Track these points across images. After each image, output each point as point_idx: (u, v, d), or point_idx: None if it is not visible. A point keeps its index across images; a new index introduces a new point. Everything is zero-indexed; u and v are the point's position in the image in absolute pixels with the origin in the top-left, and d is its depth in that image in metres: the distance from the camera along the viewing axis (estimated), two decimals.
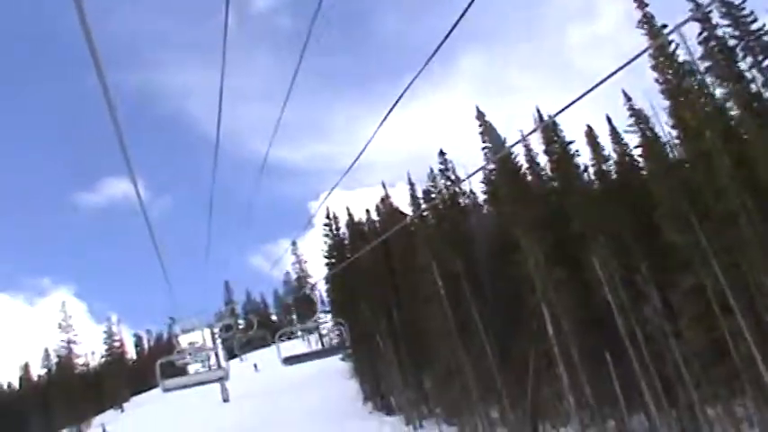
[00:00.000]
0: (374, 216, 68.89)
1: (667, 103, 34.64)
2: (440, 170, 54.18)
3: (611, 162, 42.94)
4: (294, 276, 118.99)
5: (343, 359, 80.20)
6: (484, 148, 46.33)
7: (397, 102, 7.76)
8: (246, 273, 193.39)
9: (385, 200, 66.31)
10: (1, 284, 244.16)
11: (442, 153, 54.12)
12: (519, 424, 40.44)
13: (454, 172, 54.07)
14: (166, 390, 18.90)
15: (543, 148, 44.27)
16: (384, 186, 65.83)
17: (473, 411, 43.75)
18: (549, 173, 44.79)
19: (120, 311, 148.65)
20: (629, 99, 39.14)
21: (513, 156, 43.68)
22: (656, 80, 34.44)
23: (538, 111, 45.51)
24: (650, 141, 37.64)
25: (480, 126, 46.14)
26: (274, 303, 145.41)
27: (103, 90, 4.29)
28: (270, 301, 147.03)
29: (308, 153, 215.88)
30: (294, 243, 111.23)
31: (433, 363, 49.12)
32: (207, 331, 22.57)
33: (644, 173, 41.41)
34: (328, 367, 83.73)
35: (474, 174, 46.86)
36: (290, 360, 19.19)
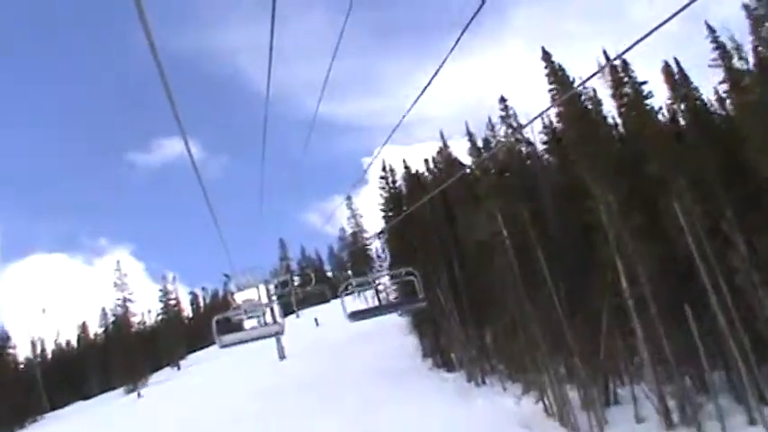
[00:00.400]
0: (432, 167, 66.51)
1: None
2: (500, 117, 51.55)
3: (689, 101, 39.98)
4: (349, 232, 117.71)
5: (401, 314, 78.70)
6: (551, 90, 43.37)
7: (448, 54, 7.74)
8: (301, 230, 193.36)
9: (443, 150, 63.92)
10: (60, 245, 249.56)
11: (503, 99, 51.49)
12: (589, 381, 38.10)
13: (516, 119, 51.40)
14: (223, 346, 18.88)
15: (610, 92, 41.49)
16: (442, 136, 63.37)
17: (539, 367, 41.48)
18: (618, 117, 42.06)
19: (177, 270, 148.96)
20: (713, 32, 36.28)
21: (581, 97, 40.81)
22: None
23: (605, 53, 42.38)
24: (736, 75, 34.69)
25: (546, 68, 43.23)
26: (329, 259, 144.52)
27: (151, 49, 4.29)
28: (325, 257, 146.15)
29: (362, 108, 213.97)
30: (349, 197, 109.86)
31: (496, 317, 46.83)
32: (262, 288, 22.15)
33: (724, 112, 38.62)
34: (386, 323, 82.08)
35: (540, 116, 43.82)
36: (356, 315, 17.23)
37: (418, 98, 9.14)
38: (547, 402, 41.31)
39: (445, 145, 62.87)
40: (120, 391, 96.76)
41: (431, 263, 53.15)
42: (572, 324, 38.16)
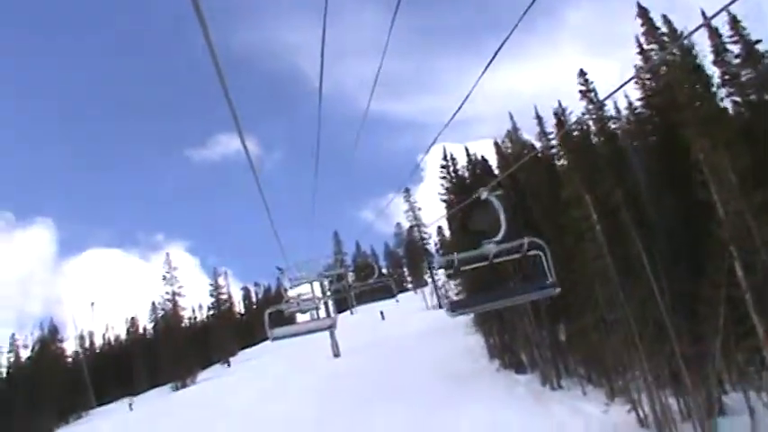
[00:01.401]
0: (501, 151, 60.95)
1: None
2: (580, 92, 45.79)
3: None
4: (406, 227, 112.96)
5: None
6: (649, 50, 37.48)
7: (498, 49, 7.73)
8: (356, 226, 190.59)
9: (512, 133, 58.46)
10: (117, 240, 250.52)
11: (582, 73, 45.79)
12: (695, 388, 32.33)
13: (596, 94, 45.68)
14: (274, 338, 17.67)
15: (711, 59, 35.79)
16: (511, 117, 57.84)
17: (633, 371, 35.89)
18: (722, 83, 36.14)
19: (232, 267, 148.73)
20: None
21: (691, 51, 34.79)
22: None
23: (702, 13, 36.43)
24: None
25: (643, 25, 37.40)
26: (385, 256, 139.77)
27: (208, 47, 4.24)
28: (380, 253, 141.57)
29: (417, 106, 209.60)
30: (407, 190, 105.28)
31: (577, 312, 41.20)
32: (316, 285, 22.34)
33: None
34: (445, 321, 77.16)
35: (633, 78, 38.31)
36: (458, 307, 12.12)
37: (469, 94, 9.30)
38: (641, 411, 35.56)
39: (515, 127, 57.40)
40: (167, 387, 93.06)
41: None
42: (676, 321, 32.40)
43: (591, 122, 44.78)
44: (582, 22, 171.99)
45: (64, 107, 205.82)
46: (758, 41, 34.54)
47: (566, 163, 45.95)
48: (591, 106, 44.89)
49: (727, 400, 34.27)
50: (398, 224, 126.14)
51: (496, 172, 57.66)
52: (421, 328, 74.58)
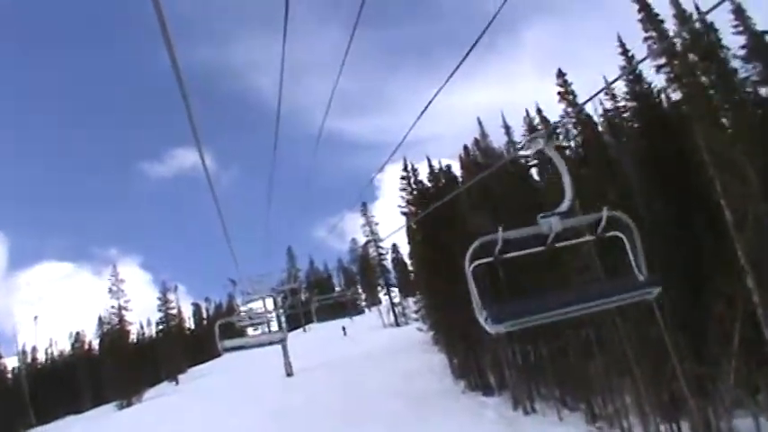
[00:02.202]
0: (466, 160, 56.27)
1: None
2: (559, 93, 41.40)
3: None
4: (362, 242, 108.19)
5: (420, 329, 68.56)
6: (647, 38, 32.95)
7: (455, 70, 7.98)
8: (310, 244, 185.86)
9: (480, 141, 53.89)
10: (68, 254, 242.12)
11: (561, 73, 41.51)
12: (700, 414, 27.66)
13: (575, 96, 41.37)
14: (225, 349, 19.75)
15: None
16: (480, 123, 53.27)
17: (620, 394, 31.29)
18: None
19: (186, 283, 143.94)
20: None
21: (706, 36, 30.22)
22: None
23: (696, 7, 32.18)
24: None
25: (640, 11, 32.91)
26: (338, 272, 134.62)
27: (172, 62, 4.34)
28: (334, 271, 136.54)
29: (372, 126, 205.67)
30: (364, 204, 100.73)
31: (555, 329, 36.58)
32: (269, 300, 25.26)
33: None
34: (404, 339, 72.26)
35: (636, 65, 33.89)
36: (504, 317, 6.93)
37: (423, 112, 9.37)
38: None
39: (483, 134, 52.83)
40: (111, 406, 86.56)
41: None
42: (677, 339, 27.76)
43: (571, 126, 40.48)
44: (538, 40, 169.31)
45: (18, 117, 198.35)
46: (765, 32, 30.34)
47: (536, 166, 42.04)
48: (570, 109, 40.81)
49: (724, 425, 29.80)
50: (353, 239, 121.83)
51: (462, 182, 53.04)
52: (378, 347, 69.58)
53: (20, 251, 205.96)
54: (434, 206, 40.95)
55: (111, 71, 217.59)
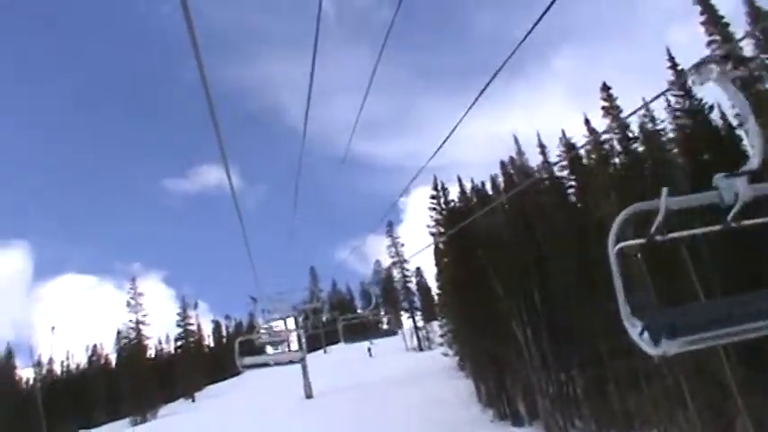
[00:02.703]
0: (500, 180, 53.70)
1: None
2: (603, 108, 38.86)
3: None
4: (386, 264, 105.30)
5: (446, 354, 65.68)
6: (710, 42, 30.33)
7: (481, 92, 7.64)
8: (333, 266, 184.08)
9: (515, 159, 51.32)
10: (91, 268, 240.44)
11: (605, 87, 39.07)
12: None
13: (618, 111, 38.81)
14: (244, 366, 20.04)
15: None
16: (516, 141, 50.69)
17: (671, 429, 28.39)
18: None
19: (208, 300, 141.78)
20: None
21: None
22: None
23: None
24: None
25: (703, 14, 30.37)
26: (361, 296, 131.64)
27: (202, 80, 4.38)
28: (356, 294, 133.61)
29: (401, 150, 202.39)
30: (390, 224, 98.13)
31: (596, 357, 33.77)
32: (290, 321, 25.16)
33: None
34: (428, 363, 69.28)
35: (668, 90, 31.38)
36: (682, 330, 4.38)
37: (449, 136, 9.18)
38: None
39: (520, 151, 50.24)
40: (126, 421, 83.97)
41: (505, 288, 40.53)
42: (739, 373, 24.87)
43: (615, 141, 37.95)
44: (567, 68, 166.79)
45: (46, 130, 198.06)
46: None
47: (575, 184, 39.57)
48: (614, 124, 38.36)
49: None
50: (377, 261, 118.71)
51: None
52: (402, 371, 66.60)
53: (44, 263, 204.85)
54: (470, 219, 38.40)
55: (139, 86, 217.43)
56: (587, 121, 36.55)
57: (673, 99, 35.76)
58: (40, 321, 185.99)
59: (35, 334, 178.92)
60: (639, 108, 33.38)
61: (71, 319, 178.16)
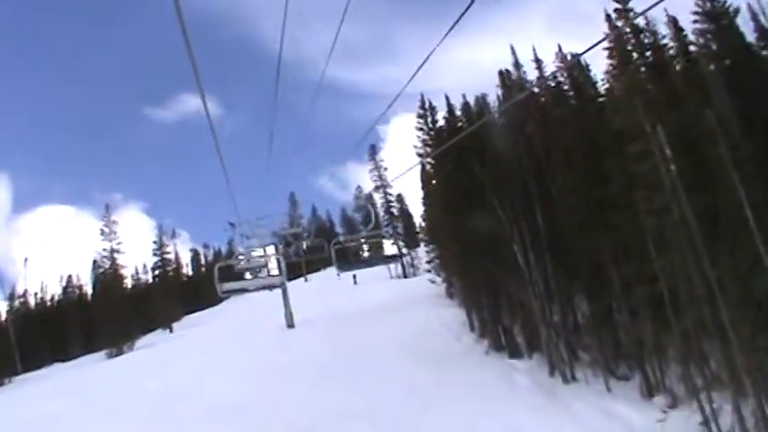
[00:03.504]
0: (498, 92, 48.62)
1: None
2: (616, 10, 33.77)
3: None
4: (372, 187, 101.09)
5: (432, 281, 61.92)
6: None
7: (459, 18, 7.54)
8: (312, 194, 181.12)
9: (508, 73, 46.14)
10: (71, 198, 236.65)
11: None
12: None
13: (634, 13, 33.88)
14: (223, 292, 19.77)
15: None
16: (513, 51, 45.34)
17: (707, 366, 24.52)
18: None
19: (189, 230, 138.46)
20: None
21: None
22: None
23: None
24: None
25: None
26: (341, 222, 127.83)
27: (175, 6, 4.35)
28: (337, 220, 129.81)
29: (379, 76, 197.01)
30: (373, 147, 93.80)
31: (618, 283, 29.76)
32: (270, 249, 23.00)
33: None
34: (413, 291, 65.68)
35: None
36: None
37: (426, 60, 9.11)
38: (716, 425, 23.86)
39: (517, 64, 45.10)
40: (102, 354, 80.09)
41: (504, 208, 36.22)
42: None
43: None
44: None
45: (22, 61, 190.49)
46: None
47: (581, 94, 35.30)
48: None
49: None
50: (359, 187, 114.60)
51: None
52: (387, 299, 62.77)
53: (23, 195, 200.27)
54: (465, 132, 33.88)
55: (117, 13, 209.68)
56: (608, 17, 31.40)
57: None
58: (17, 254, 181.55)
59: (12, 267, 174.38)
60: (655, 4, 28.52)
61: (48, 250, 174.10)
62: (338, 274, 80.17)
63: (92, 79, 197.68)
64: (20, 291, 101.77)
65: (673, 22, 30.34)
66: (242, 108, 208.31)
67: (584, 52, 10.20)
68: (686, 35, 30.51)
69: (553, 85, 39.61)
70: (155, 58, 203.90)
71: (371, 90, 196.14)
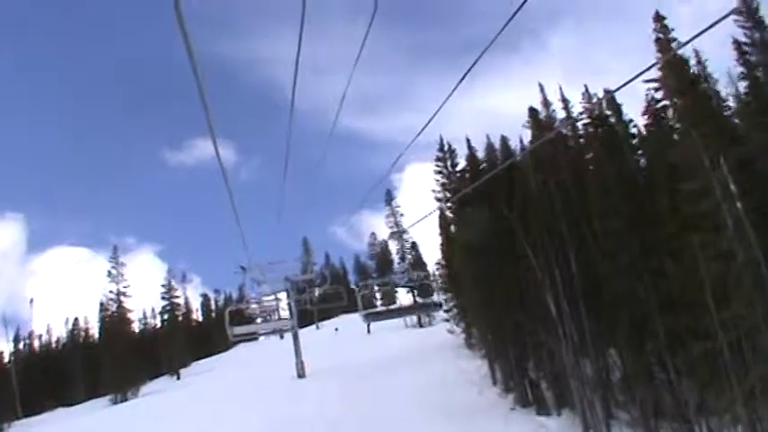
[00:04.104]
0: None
1: None
2: (657, 40, 31.66)
3: None
4: (383, 236, 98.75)
5: (451, 331, 59.12)
6: None
7: (471, 67, 7.63)
8: (326, 241, 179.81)
9: (545, 108, 43.60)
10: (86, 240, 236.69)
11: (659, 17, 31.90)
12: None
13: (679, 43, 31.65)
14: (234, 336, 16.54)
15: None
16: (542, 89, 43.01)
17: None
18: None
19: (202, 275, 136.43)
20: None
21: None
22: None
23: None
24: None
25: None
26: (354, 269, 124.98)
27: (187, 50, 4.33)
28: (350, 268, 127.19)
29: (397, 125, 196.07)
30: (389, 193, 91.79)
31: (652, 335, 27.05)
32: (282, 295, 22.77)
33: None
34: (430, 341, 62.88)
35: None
36: None
37: (438, 109, 9.15)
38: None
39: (546, 102, 42.80)
40: (106, 399, 77.26)
41: (538, 251, 33.62)
42: None
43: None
44: (564, 46, 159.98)
45: (40, 103, 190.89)
46: None
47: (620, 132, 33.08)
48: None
49: None
50: (373, 234, 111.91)
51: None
52: (403, 349, 59.88)
53: (37, 236, 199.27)
54: (494, 172, 31.56)
55: (137, 57, 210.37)
56: (657, 40, 29.08)
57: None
58: (29, 295, 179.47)
59: (25, 307, 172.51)
60: (700, 33, 26.37)
61: (57, 292, 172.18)
62: (367, 329, 78.01)
63: (110, 122, 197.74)
64: (25, 333, 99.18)
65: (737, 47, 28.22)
66: (259, 155, 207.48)
67: (620, 87, 8.28)
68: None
69: (584, 123, 37.56)
70: (175, 102, 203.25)
71: (388, 139, 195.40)
